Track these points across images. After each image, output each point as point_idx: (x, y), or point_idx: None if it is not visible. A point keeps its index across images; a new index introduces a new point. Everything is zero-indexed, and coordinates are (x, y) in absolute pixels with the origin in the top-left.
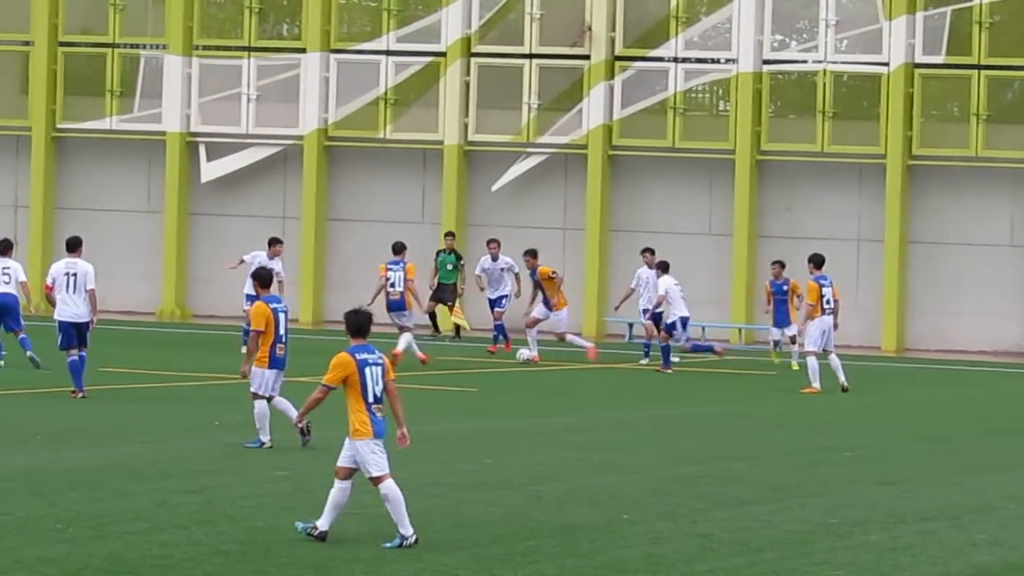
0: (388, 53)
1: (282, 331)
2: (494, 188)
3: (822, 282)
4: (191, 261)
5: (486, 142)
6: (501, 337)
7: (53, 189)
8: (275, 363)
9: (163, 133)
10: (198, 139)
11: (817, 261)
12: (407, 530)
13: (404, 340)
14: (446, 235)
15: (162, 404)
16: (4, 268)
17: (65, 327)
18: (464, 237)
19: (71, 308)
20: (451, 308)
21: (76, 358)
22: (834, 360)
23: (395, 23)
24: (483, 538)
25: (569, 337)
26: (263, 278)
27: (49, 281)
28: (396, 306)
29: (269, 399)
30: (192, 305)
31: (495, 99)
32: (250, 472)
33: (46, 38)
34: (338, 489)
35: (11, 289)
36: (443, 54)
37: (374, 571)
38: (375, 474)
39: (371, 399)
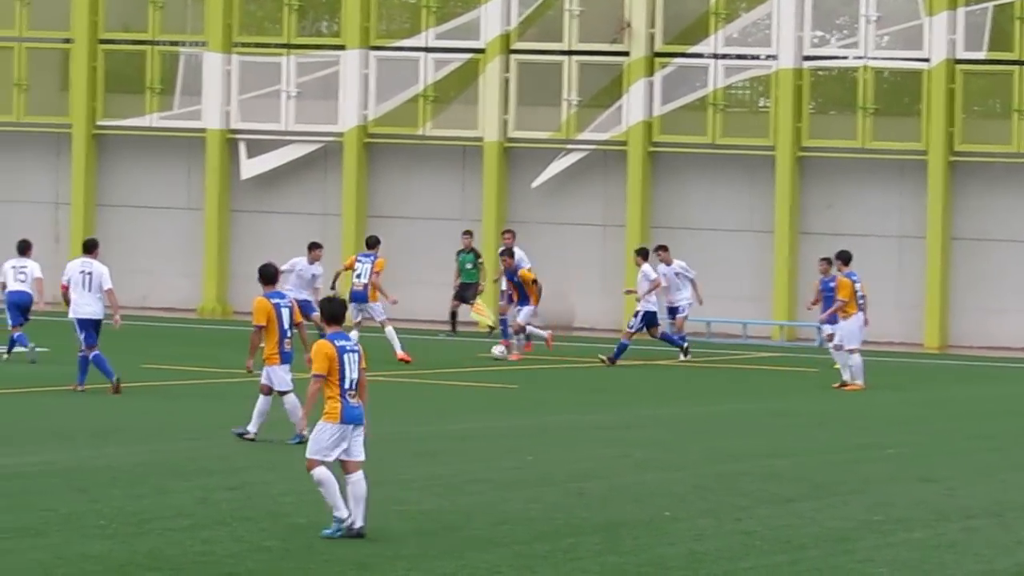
0: (427, 50)
1: (286, 326)
2: (534, 185)
3: (853, 278)
4: (232, 258)
5: (526, 139)
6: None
7: (94, 186)
8: (285, 358)
9: (203, 130)
10: (238, 136)
11: (845, 258)
12: (342, 512)
13: (394, 339)
14: (464, 234)
15: (204, 401)
16: (21, 267)
17: (85, 324)
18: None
19: (89, 306)
20: (472, 305)
21: (98, 352)
22: (842, 357)
23: (434, 20)
24: (525, 535)
25: (530, 329)
26: (268, 275)
27: (64, 280)
28: (358, 296)
29: (269, 392)
30: (233, 302)
31: (535, 96)
32: (291, 469)
33: (86, 36)
34: (351, 484)
35: (27, 287)
36: (482, 51)
37: (416, 568)
38: (308, 457)
39: (347, 385)
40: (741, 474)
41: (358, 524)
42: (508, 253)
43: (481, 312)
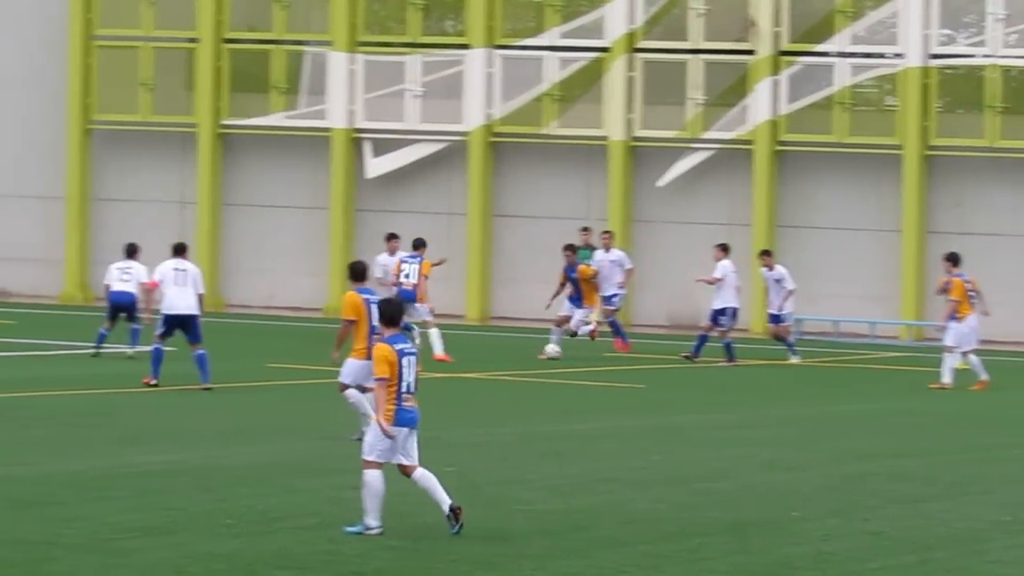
0: (552, 49)
1: (375, 322)
2: (659, 184)
3: (963, 278)
4: (357, 257)
5: (651, 138)
6: (619, 333)
7: (219, 185)
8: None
9: (328, 129)
10: (363, 135)
11: (954, 259)
12: (373, 521)
13: (437, 340)
14: (581, 230)
15: (330, 400)
16: (127, 268)
17: (173, 319)
18: (629, 233)
19: (180, 300)
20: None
21: (160, 347)
22: (952, 360)
23: (559, 19)
24: (652, 535)
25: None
26: (358, 271)
27: (157, 277)
28: (408, 296)
29: (344, 388)
30: None
31: (660, 95)
32: None
33: (211, 35)
34: (418, 481)
35: (130, 288)
36: (607, 49)
37: (543, 567)
38: (365, 457)
39: (404, 388)
40: (869, 474)
41: (447, 502)
42: (572, 248)
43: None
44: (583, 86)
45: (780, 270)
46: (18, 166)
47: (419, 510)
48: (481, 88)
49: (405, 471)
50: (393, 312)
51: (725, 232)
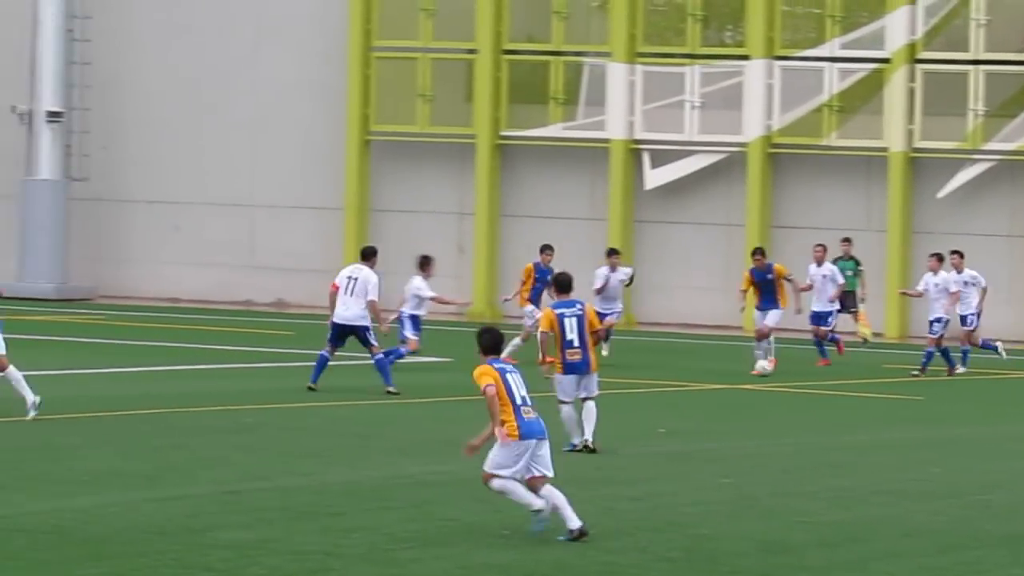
0: (832, 60)
1: (571, 336)
2: (940, 195)
3: None
4: (636, 269)
5: (931, 149)
6: (832, 346)
7: (497, 197)
8: (568, 368)
9: (607, 140)
10: (641, 146)
11: None
12: (536, 503)
13: (511, 346)
14: (842, 241)
15: (607, 411)
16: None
17: (333, 326)
18: (910, 244)
19: (344, 309)
20: (855, 315)
21: (326, 351)
22: None
23: (839, 29)
24: (929, 547)
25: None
26: (560, 284)
27: (337, 280)
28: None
29: (584, 399)
30: (637, 312)
31: (940, 105)
32: (694, 479)
33: (490, 46)
34: (544, 496)
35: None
36: (888, 60)
37: None
38: (485, 470)
39: (519, 402)
40: None
41: (575, 522)
42: (762, 252)
43: (864, 324)
44: (863, 97)
45: (969, 272)
46: (297, 177)
47: (698, 521)
48: (760, 99)
49: (534, 484)
50: (496, 341)
51: (1005, 243)
